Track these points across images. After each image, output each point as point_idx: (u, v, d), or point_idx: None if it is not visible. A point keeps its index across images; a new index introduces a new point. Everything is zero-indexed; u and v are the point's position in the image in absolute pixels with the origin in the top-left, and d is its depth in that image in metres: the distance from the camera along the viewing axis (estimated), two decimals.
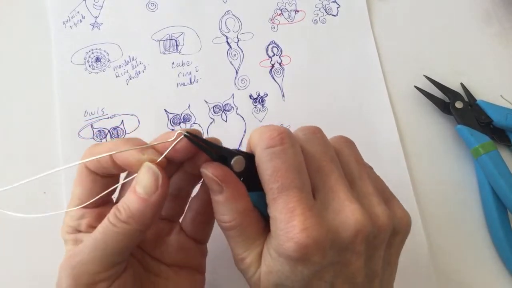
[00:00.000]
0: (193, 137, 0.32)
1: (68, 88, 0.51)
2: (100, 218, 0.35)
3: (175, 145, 0.32)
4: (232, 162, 0.32)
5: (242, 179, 0.33)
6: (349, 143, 0.36)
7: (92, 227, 0.35)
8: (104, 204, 0.36)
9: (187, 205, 0.39)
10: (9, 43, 0.53)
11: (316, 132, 0.34)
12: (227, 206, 0.33)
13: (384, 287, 0.34)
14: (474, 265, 0.49)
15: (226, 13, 0.55)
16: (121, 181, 0.36)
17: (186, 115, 0.51)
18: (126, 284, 0.34)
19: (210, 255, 0.41)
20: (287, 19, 0.56)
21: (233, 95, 0.52)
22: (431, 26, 0.57)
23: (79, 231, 0.35)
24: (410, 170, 0.51)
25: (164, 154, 0.32)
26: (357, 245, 0.31)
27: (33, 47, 0.53)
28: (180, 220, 0.40)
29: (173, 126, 0.51)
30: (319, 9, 0.57)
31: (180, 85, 0.52)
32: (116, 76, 0.52)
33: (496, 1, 0.58)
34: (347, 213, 0.31)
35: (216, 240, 0.41)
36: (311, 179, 0.32)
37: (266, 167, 0.31)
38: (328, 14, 0.57)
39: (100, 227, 0.32)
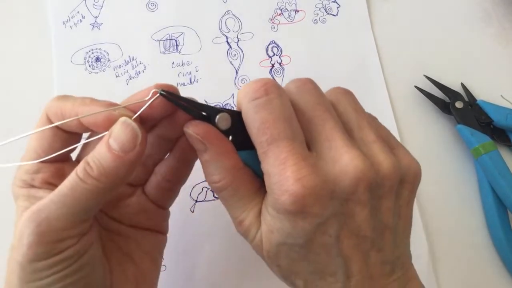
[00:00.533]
0: (172, 96, 0.30)
1: (68, 88, 0.51)
2: (57, 174, 0.34)
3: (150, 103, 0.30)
4: (216, 120, 0.31)
5: (231, 138, 0.31)
6: (346, 93, 0.34)
7: (47, 183, 0.33)
8: (62, 160, 0.34)
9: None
10: (9, 43, 0.53)
11: (308, 83, 0.33)
12: (214, 165, 0.31)
13: (399, 243, 0.32)
14: (474, 265, 0.49)
15: (226, 13, 0.55)
16: (83, 140, 0.34)
17: None
18: (92, 241, 0.33)
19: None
20: (287, 19, 0.56)
21: (233, 95, 0.52)
22: (431, 26, 0.57)
23: (33, 186, 0.33)
24: None
25: (139, 112, 0.30)
26: (359, 194, 0.29)
27: (33, 47, 0.53)
28: None
29: None
30: (319, 9, 0.57)
31: (180, 85, 0.52)
32: (116, 76, 0.52)
33: (496, 1, 0.58)
34: (346, 161, 0.29)
35: None
36: (305, 131, 0.31)
37: (253, 120, 0.29)
38: (328, 14, 0.57)
39: (68, 182, 0.30)
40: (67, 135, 0.34)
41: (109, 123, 0.30)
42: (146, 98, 0.30)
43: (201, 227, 0.48)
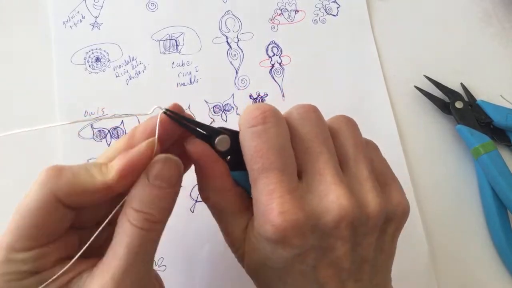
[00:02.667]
0: (175, 115, 0.30)
1: (68, 88, 0.51)
2: (63, 249, 0.30)
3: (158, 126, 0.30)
4: (216, 141, 0.31)
5: (229, 157, 0.32)
6: (349, 123, 0.34)
7: (62, 259, 0.29)
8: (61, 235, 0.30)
9: None
10: (9, 43, 0.53)
11: (311, 111, 0.32)
12: (206, 183, 0.32)
13: (377, 273, 0.33)
14: (474, 265, 0.49)
15: (226, 13, 0.55)
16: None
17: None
18: None
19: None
20: (287, 19, 0.56)
21: (233, 95, 0.52)
22: (431, 26, 0.57)
23: (38, 272, 0.28)
24: (410, 170, 0.51)
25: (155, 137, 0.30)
26: (341, 231, 0.29)
27: (33, 47, 0.53)
28: None
29: None
30: (319, 9, 0.57)
31: (180, 85, 0.52)
32: (116, 76, 0.52)
33: (496, 1, 0.58)
34: (332, 197, 0.29)
35: None
36: (299, 160, 0.31)
37: (248, 147, 0.30)
38: (328, 14, 0.57)
39: (133, 239, 0.28)
40: (71, 212, 0.30)
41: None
42: (148, 113, 0.30)
43: (201, 227, 0.48)
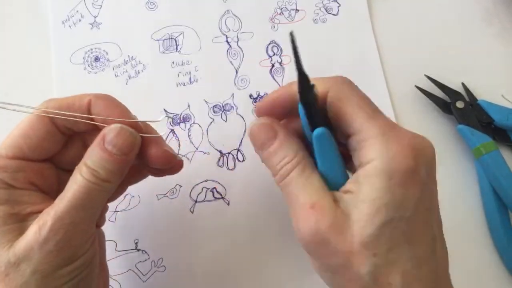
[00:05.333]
0: (294, 43, 0.31)
1: (67, 88, 0.51)
2: (38, 174, 0.34)
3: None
4: (315, 90, 0.31)
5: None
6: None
7: (30, 183, 0.34)
8: (43, 160, 0.35)
9: None
10: (8, 42, 0.53)
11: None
12: (286, 146, 0.32)
13: None
14: (474, 265, 0.49)
15: (226, 13, 0.55)
16: None
17: (186, 115, 0.51)
18: (96, 243, 0.36)
19: None
20: (287, 18, 0.56)
21: (233, 94, 0.52)
22: (432, 26, 0.57)
23: (13, 187, 0.33)
24: None
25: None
26: None
27: (32, 46, 0.53)
28: None
29: (172, 126, 0.50)
30: (320, 8, 0.56)
31: (180, 85, 0.52)
32: (116, 76, 0.52)
33: (497, 0, 0.58)
34: None
35: None
36: None
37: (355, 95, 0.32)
38: (329, 13, 0.56)
39: (79, 187, 0.32)
40: (61, 137, 0.35)
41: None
42: (159, 119, 0.36)
43: (200, 227, 0.48)
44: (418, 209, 0.29)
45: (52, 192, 0.36)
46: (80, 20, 0.53)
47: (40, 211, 0.33)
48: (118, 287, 0.45)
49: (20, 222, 0.32)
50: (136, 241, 0.47)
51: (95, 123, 0.35)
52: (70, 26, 0.53)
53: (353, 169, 0.32)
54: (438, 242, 0.31)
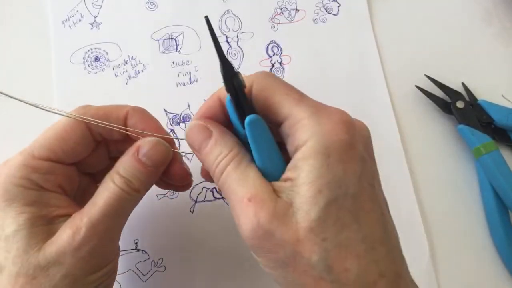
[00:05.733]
0: (210, 28, 0.31)
1: (67, 88, 0.51)
2: (67, 179, 0.35)
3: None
4: (239, 76, 0.30)
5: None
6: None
7: (59, 186, 0.34)
8: (73, 163, 0.36)
9: None
10: (8, 42, 0.53)
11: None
12: (221, 142, 0.31)
13: None
14: (474, 265, 0.49)
15: (226, 12, 0.55)
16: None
17: (186, 115, 0.51)
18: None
19: None
20: (287, 18, 0.56)
21: None
22: (432, 25, 0.57)
23: (44, 189, 0.33)
24: (411, 169, 0.51)
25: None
26: None
27: (32, 46, 0.53)
28: None
29: (172, 126, 0.50)
30: (320, 8, 0.56)
31: (180, 85, 0.52)
32: (116, 76, 0.52)
33: (497, 0, 0.58)
34: None
35: None
36: None
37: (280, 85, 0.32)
38: (329, 13, 0.56)
39: (112, 194, 0.33)
40: (93, 142, 0.36)
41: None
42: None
43: (200, 227, 0.48)
44: (362, 184, 0.28)
45: (72, 195, 0.37)
46: (80, 20, 0.53)
47: (65, 215, 0.33)
48: (118, 287, 0.45)
49: (48, 224, 0.32)
50: (136, 241, 0.47)
51: (130, 134, 0.36)
52: (70, 26, 0.53)
53: (289, 158, 0.31)
54: (388, 220, 0.30)
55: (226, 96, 0.31)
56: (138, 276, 0.46)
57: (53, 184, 0.34)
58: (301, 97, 0.31)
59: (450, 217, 0.50)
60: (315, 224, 0.27)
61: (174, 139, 0.39)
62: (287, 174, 0.29)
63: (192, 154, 0.36)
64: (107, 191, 0.33)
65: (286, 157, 0.31)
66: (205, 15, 0.30)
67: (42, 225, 0.32)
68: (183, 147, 0.40)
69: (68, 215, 0.33)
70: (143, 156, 0.34)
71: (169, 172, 0.37)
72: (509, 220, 0.49)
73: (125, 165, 0.34)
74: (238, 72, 0.30)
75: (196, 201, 0.48)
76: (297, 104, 0.30)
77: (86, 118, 0.34)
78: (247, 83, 0.30)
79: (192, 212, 0.48)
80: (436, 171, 0.51)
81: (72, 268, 0.31)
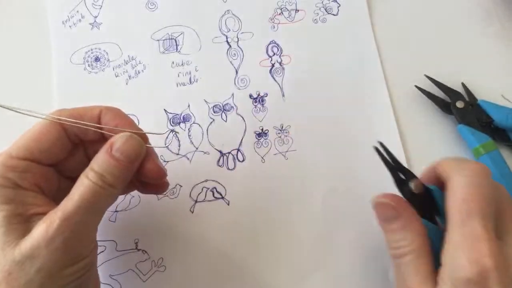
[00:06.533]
0: (386, 151, 0.36)
1: (67, 88, 0.51)
2: (45, 179, 0.36)
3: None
4: (412, 184, 0.35)
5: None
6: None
7: (36, 185, 0.35)
8: (51, 164, 0.37)
9: None
10: (8, 42, 0.53)
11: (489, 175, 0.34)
12: (405, 230, 0.34)
13: None
14: None
15: (226, 13, 0.55)
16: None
17: (186, 115, 0.51)
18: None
19: None
20: (287, 18, 0.56)
21: (233, 94, 0.52)
22: (432, 25, 0.57)
23: (20, 187, 0.34)
24: (411, 169, 0.50)
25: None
26: None
27: (32, 46, 0.53)
28: None
29: (172, 126, 0.51)
30: (320, 9, 0.56)
31: (180, 85, 0.52)
32: (116, 76, 0.52)
33: (497, 0, 0.58)
34: None
35: None
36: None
37: (461, 191, 0.32)
38: (329, 13, 0.56)
39: (87, 189, 0.33)
40: (70, 144, 0.37)
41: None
42: (162, 133, 0.41)
43: (200, 227, 0.48)
44: None
45: (51, 197, 0.37)
46: (80, 20, 0.53)
47: (42, 213, 0.33)
48: (118, 287, 0.45)
49: (24, 223, 0.33)
50: (136, 241, 0.47)
51: (103, 132, 0.37)
52: (70, 26, 0.53)
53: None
54: None
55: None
56: (138, 276, 0.46)
57: (30, 182, 0.34)
58: (468, 217, 0.31)
59: None
60: None
61: (147, 135, 0.39)
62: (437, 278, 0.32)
63: (163, 147, 0.41)
64: (82, 186, 0.34)
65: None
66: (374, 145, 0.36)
67: (19, 223, 0.32)
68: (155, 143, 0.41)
69: (45, 214, 0.33)
70: (116, 151, 0.35)
71: (143, 169, 0.38)
72: None
73: (99, 160, 0.35)
74: (408, 180, 0.36)
75: (196, 201, 0.48)
76: (458, 226, 0.32)
77: (61, 118, 0.35)
78: (448, 174, 0.34)
79: (192, 212, 0.48)
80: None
81: (47, 261, 0.31)
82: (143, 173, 0.38)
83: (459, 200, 0.32)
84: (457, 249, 0.31)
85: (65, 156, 0.38)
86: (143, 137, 0.37)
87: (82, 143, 0.39)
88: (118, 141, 0.35)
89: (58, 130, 0.36)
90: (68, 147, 0.37)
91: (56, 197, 0.37)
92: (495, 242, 0.30)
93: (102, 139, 0.38)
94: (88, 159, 0.38)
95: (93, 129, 0.36)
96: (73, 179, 0.38)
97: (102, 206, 0.35)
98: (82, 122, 0.36)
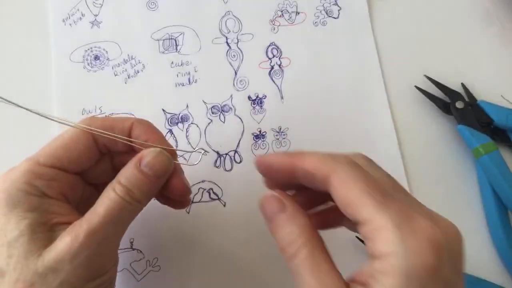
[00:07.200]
0: None
1: (66, 86, 0.51)
2: (70, 187, 0.35)
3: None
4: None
5: None
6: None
7: (62, 194, 0.35)
8: (77, 172, 0.36)
9: None
10: (8, 40, 0.53)
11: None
12: (292, 223, 0.30)
13: None
14: (474, 266, 0.48)
15: (227, 14, 0.55)
16: None
17: (184, 115, 0.51)
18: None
19: None
20: (288, 20, 0.56)
21: (231, 96, 0.52)
22: (432, 26, 0.57)
23: (46, 196, 0.34)
24: (410, 170, 0.50)
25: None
26: None
27: (32, 44, 0.53)
28: None
29: (170, 126, 0.51)
30: (320, 11, 0.57)
31: (179, 85, 0.52)
32: (115, 75, 0.52)
33: (496, 0, 0.58)
34: None
35: None
36: None
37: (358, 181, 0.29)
38: (329, 16, 0.56)
39: (113, 203, 0.33)
40: (97, 153, 0.37)
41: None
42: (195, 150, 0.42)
43: (196, 228, 0.47)
44: None
45: (75, 204, 0.37)
46: (80, 18, 0.54)
47: (66, 222, 0.33)
48: None
49: (48, 231, 0.32)
50: (131, 240, 0.47)
51: (133, 145, 0.37)
52: (70, 24, 0.54)
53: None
54: None
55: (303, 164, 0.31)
56: (133, 275, 0.46)
57: (56, 191, 0.34)
58: (384, 199, 0.28)
59: (450, 217, 0.49)
60: None
61: (177, 151, 0.39)
62: (364, 277, 0.27)
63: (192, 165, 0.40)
64: (107, 199, 0.33)
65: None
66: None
67: (43, 232, 0.32)
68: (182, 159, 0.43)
69: (69, 223, 0.33)
70: (145, 166, 0.34)
71: (169, 185, 0.37)
72: (509, 220, 0.48)
73: (127, 174, 0.34)
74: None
75: (192, 202, 0.48)
76: (379, 207, 0.27)
77: (92, 128, 0.35)
78: (325, 170, 0.30)
79: (188, 213, 0.48)
80: (435, 172, 0.51)
81: (70, 275, 0.31)
82: (168, 188, 0.37)
83: (362, 188, 0.28)
84: (395, 234, 0.26)
85: (92, 165, 0.37)
86: (171, 152, 0.37)
87: (109, 152, 0.38)
88: (147, 156, 0.35)
89: (88, 139, 0.36)
90: (96, 157, 0.37)
91: (79, 205, 0.37)
92: (428, 213, 0.28)
93: (131, 150, 0.37)
94: (114, 167, 0.39)
95: (123, 141, 0.36)
96: (96, 186, 0.39)
97: (127, 221, 0.35)
98: (113, 134, 0.35)
